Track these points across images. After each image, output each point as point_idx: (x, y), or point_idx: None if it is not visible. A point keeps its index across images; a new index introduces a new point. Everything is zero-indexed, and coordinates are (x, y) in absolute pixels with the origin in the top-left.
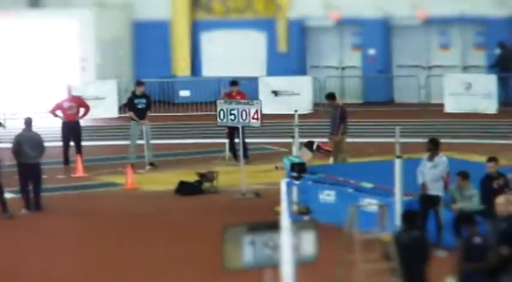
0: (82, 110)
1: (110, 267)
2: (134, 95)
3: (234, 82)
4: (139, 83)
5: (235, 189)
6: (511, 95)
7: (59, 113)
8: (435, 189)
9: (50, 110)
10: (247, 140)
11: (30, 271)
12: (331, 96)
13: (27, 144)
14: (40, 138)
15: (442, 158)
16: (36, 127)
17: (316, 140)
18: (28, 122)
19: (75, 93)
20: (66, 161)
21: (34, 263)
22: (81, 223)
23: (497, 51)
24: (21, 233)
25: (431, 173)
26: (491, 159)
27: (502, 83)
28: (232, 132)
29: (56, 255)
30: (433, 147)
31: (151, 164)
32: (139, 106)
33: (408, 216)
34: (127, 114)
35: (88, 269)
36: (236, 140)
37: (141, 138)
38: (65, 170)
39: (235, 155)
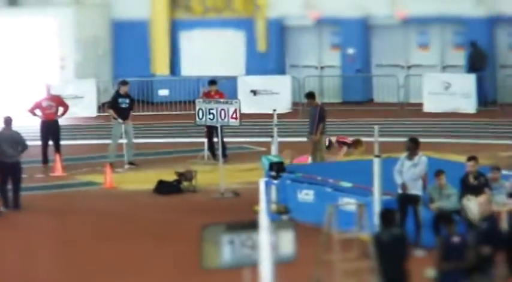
0: (61, 109)
1: (88, 265)
2: (118, 94)
3: (212, 81)
4: (123, 83)
5: (214, 188)
6: (484, 94)
7: (37, 112)
8: (415, 189)
9: (29, 109)
10: (226, 139)
11: (7, 268)
12: (310, 96)
13: (6, 143)
14: (20, 137)
15: (422, 158)
16: (15, 126)
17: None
18: (8, 120)
19: (54, 92)
20: (45, 160)
21: (11, 260)
22: (59, 222)
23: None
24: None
25: (411, 172)
26: (471, 158)
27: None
28: (211, 131)
29: (34, 253)
30: (413, 146)
31: (131, 163)
32: (123, 105)
33: (385, 214)
34: (106, 113)
35: (65, 267)
36: (215, 139)
37: (121, 138)
38: (43, 169)
39: (214, 154)
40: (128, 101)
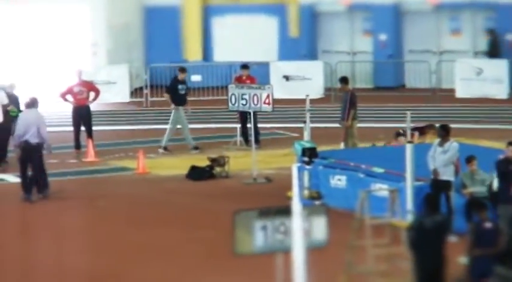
0: (92, 94)
1: (119, 251)
2: (177, 81)
3: (244, 66)
4: (182, 70)
5: (246, 174)
6: (377, 79)
7: (69, 97)
8: (446, 174)
9: (60, 95)
10: (259, 125)
11: (40, 254)
12: (343, 80)
13: (29, 124)
14: (42, 119)
15: (452, 144)
16: (48, 112)
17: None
18: (32, 102)
19: (86, 78)
20: (78, 145)
21: (44, 246)
22: (91, 207)
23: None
24: (32, 216)
25: (441, 159)
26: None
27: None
28: (244, 117)
29: (65, 239)
30: (444, 133)
31: (196, 147)
32: (182, 92)
33: (430, 200)
34: (164, 98)
35: (96, 253)
36: (248, 125)
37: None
38: (76, 154)
39: (247, 140)
40: (185, 86)
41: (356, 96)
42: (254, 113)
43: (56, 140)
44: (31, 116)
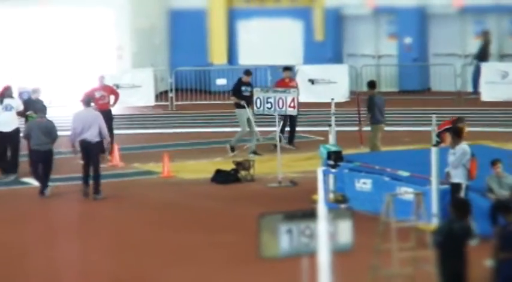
0: (113, 98)
1: (143, 254)
2: (242, 83)
3: (286, 68)
4: (248, 72)
5: (271, 177)
6: (402, 82)
7: None
8: (456, 177)
9: (81, 99)
10: (288, 129)
11: (65, 257)
12: (369, 84)
13: (40, 131)
14: (53, 126)
15: (460, 146)
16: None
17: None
18: (43, 109)
19: (111, 81)
20: (101, 150)
21: (68, 248)
22: (115, 211)
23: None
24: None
25: (451, 161)
26: None
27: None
28: (286, 119)
29: (89, 241)
30: (455, 135)
31: (255, 152)
32: (246, 93)
33: (461, 205)
34: (231, 100)
35: (120, 256)
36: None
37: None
38: (100, 158)
39: (290, 141)
40: (249, 88)
41: (373, 100)
42: (292, 116)
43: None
44: (90, 114)
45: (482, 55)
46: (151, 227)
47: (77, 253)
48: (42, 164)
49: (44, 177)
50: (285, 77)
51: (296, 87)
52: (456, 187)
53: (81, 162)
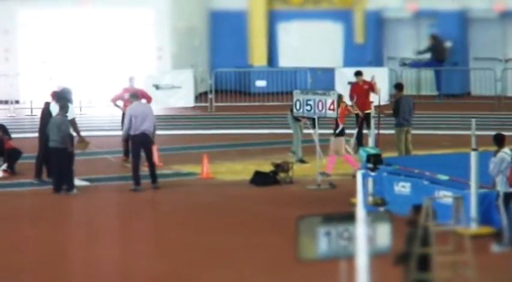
0: (144, 101)
1: (182, 255)
2: None
3: (358, 72)
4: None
5: (310, 179)
6: (443, 86)
7: (119, 103)
8: (498, 184)
9: (111, 99)
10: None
11: (101, 258)
12: (396, 86)
13: (56, 128)
14: (67, 125)
15: (499, 154)
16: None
17: None
18: (62, 106)
19: (151, 82)
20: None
21: (104, 250)
22: (153, 212)
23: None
24: (93, 219)
25: (490, 169)
26: None
27: (437, 75)
28: (362, 121)
29: (126, 243)
30: (496, 143)
31: (302, 160)
32: None
33: None
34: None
35: (157, 257)
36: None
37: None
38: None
39: (359, 143)
40: None
41: (399, 103)
42: (367, 118)
43: (115, 145)
44: (146, 107)
45: (436, 57)
46: (190, 228)
47: (117, 254)
48: (57, 162)
49: (58, 176)
50: (358, 81)
51: (373, 89)
52: (496, 195)
53: (124, 159)
